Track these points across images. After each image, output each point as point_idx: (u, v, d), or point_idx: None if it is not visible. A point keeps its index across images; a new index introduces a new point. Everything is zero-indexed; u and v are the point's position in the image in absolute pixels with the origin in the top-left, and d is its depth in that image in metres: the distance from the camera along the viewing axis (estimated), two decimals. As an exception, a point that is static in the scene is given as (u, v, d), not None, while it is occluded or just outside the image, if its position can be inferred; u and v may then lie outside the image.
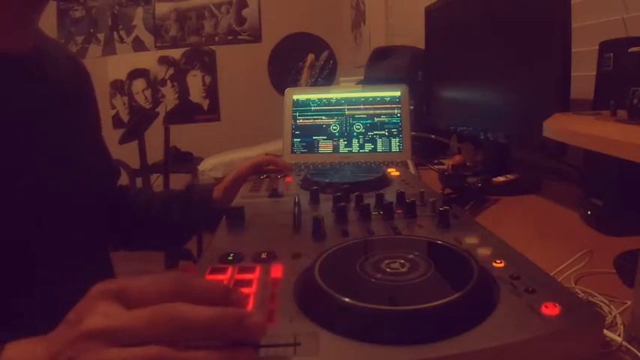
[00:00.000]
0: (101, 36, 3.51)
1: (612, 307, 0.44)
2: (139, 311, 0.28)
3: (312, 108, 1.25)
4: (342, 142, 1.22)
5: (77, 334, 0.28)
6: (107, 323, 0.27)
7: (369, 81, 1.69)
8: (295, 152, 1.23)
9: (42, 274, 0.57)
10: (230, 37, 3.55)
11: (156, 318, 0.27)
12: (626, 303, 0.44)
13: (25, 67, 0.59)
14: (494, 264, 0.39)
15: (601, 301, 0.45)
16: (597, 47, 0.74)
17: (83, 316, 0.29)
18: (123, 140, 2.49)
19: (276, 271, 0.40)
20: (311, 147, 1.23)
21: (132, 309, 0.29)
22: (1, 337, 0.33)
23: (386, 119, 1.21)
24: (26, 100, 0.57)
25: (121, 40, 3.53)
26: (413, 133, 1.22)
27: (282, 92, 1.31)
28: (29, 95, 0.58)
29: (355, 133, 1.22)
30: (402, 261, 0.38)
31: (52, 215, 0.59)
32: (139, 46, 3.55)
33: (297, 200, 0.60)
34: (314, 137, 1.23)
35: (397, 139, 1.20)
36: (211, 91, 3.62)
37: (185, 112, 3.60)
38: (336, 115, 1.24)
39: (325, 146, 1.23)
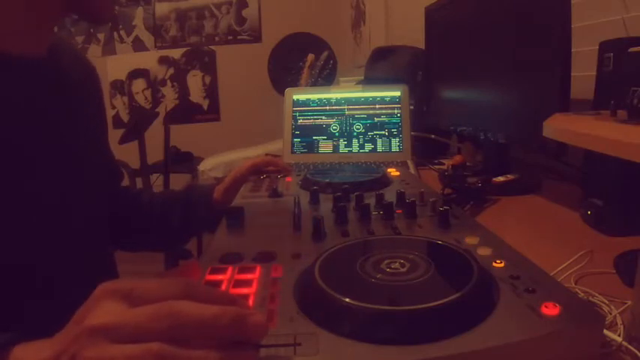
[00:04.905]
0: (101, 36, 3.51)
1: (612, 307, 0.44)
2: (141, 308, 0.28)
3: (312, 108, 1.25)
4: (342, 142, 1.22)
5: (80, 331, 0.28)
6: (109, 319, 0.28)
7: (369, 81, 1.69)
8: (295, 152, 1.23)
9: (45, 275, 0.57)
10: (230, 37, 3.55)
11: (158, 315, 0.27)
12: (626, 303, 0.44)
13: (38, 70, 0.59)
14: (494, 264, 0.39)
15: (601, 301, 0.45)
16: (597, 47, 0.74)
17: (87, 314, 0.29)
18: (123, 140, 2.48)
19: (276, 271, 0.40)
20: (311, 147, 1.23)
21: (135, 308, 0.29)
22: (7, 339, 0.33)
23: (386, 119, 1.21)
24: (37, 103, 0.58)
25: (121, 40, 3.53)
26: (413, 133, 1.22)
27: (282, 92, 1.31)
28: (40, 98, 0.58)
29: (355, 133, 1.22)
30: (402, 261, 0.38)
31: (56, 216, 0.59)
32: (139, 46, 3.54)
33: (297, 200, 0.60)
34: (314, 137, 1.23)
35: (397, 139, 1.20)
36: (211, 91, 3.61)
37: (185, 112, 3.60)
38: (336, 115, 1.24)
39: (325, 146, 1.23)
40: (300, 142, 1.24)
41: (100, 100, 0.78)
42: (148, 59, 3.56)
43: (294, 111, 1.26)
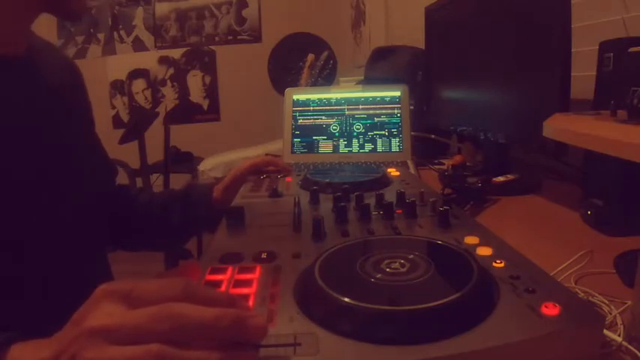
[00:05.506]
0: (101, 36, 3.51)
1: (612, 307, 0.44)
2: (141, 310, 0.28)
3: (312, 108, 1.25)
4: (342, 142, 1.22)
5: (79, 332, 0.28)
6: (109, 321, 0.28)
7: (369, 81, 1.69)
8: (295, 152, 1.23)
9: (43, 275, 0.57)
10: (230, 37, 3.55)
11: (157, 316, 0.27)
12: (626, 303, 0.44)
13: (19, 69, 0.59)
14: (494, 264, 0.39)
15: (601, 301, 0.45)
16: (597, 47, 0.74)
17: (87, 315, 0.29)
18: (123, 140, 2.49)
19: (277, 271, 0.40)
20: (311, 147, 1.23)
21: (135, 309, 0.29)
22: (5, 339, 0.33)
23: (386, 119, 1.21)
24: (21, 102, 0.58)
25: (121, 40, 3.53)
26: (413, 133, 1.22)
27: (282, 92, 1.31)
28: (24, 97, 0.58)
29: (355, 133, 1.22)
30: (402, 261, 0.38)
31: (51, 215, 0.59)
32: (139, 46, 3.54)
33: (297, 200, 0.60)
34: (314, 137, 1.23)
35: (397, 139, 1.20)
36: (211, 91, 3.61)
37: (185, 112, 3.60)
38: (336, 115, 1.24)
39: (325, 146, 1.23)
40: (300, 142, 1.24)
41: (83, 93, 0.77)
42: (148, 59, 3.56)
43: (294, 111, 1.26)
